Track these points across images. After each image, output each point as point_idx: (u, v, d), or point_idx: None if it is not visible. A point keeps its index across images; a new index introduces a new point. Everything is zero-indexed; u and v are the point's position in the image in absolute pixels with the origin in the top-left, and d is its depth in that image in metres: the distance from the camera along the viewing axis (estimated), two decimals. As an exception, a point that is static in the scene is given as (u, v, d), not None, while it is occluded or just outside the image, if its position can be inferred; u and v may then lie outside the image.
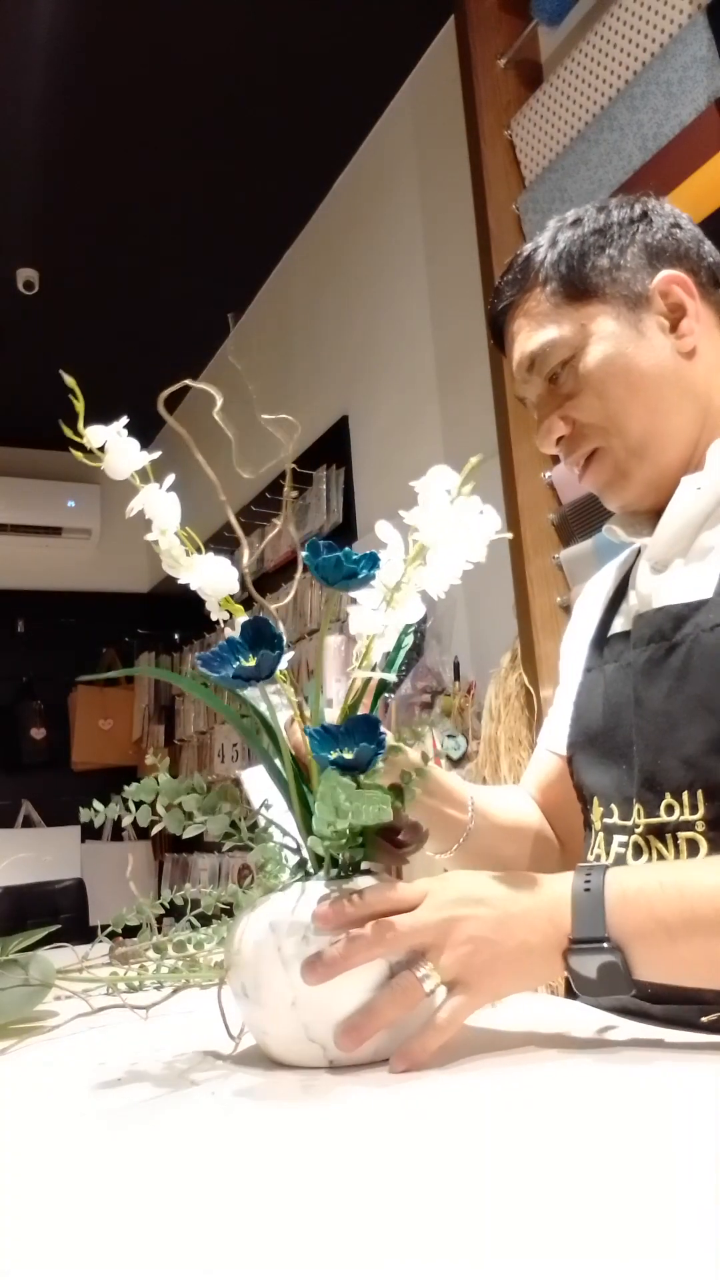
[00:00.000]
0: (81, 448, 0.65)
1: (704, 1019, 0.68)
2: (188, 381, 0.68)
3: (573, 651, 0.99)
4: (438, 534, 0.65)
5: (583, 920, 0.59)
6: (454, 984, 0.59)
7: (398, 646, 0.72)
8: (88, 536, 4.68)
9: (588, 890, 0.60)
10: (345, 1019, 0.58)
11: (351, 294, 3.02)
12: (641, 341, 0.83)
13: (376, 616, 0.64)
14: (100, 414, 0.68)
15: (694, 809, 0.73)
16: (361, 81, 2.65)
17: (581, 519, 1.79)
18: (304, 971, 0.58)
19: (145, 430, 0.64)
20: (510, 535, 0.73)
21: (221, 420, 0.66)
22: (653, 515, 0.86)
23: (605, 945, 0.59)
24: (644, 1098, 0.51)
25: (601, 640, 0.90)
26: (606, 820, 0.82)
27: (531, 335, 0.86)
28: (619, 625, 0.89)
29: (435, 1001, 0.59)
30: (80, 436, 0.64)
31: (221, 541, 3.79)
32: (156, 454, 0.66)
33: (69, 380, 0.65)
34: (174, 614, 4.53)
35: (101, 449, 0.65)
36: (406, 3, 2.40)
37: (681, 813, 0.74)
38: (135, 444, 0.65)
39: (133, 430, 0.65)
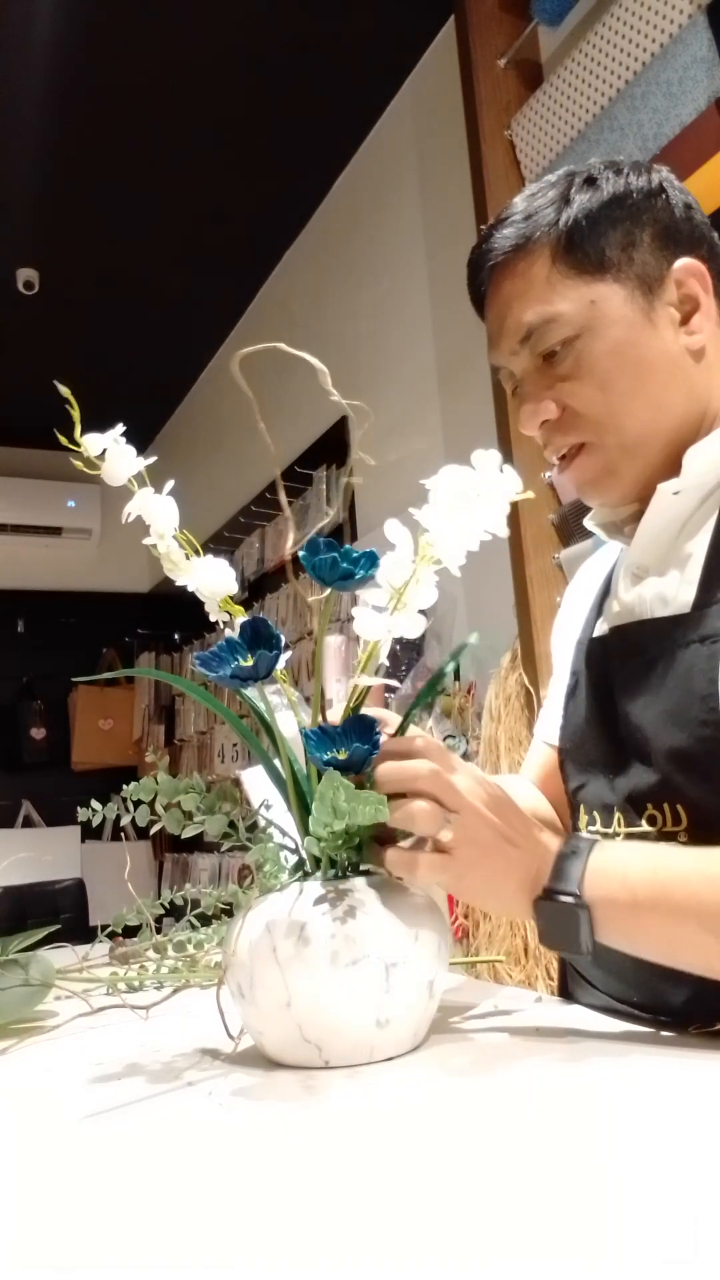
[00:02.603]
0: (80, 455, 0.64)
1: (691, 1029, 0.68)
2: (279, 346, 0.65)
3: (561, 643, 0.98)
4: (454, 509, 0.64)
5: (560, 874, 0.64)
6: (446, 866, 0.63)
7: (425, 692, 0.72)
8: (88, 536, 4.68)
9: (574, 852, 0.65)
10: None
11: (352, 294, 3.02)
12: (652, 332, 0.76)
13: (379, 621, 0.64)
14: (100, 414, 0.68)
15: (676, 820, 0.73)
16: (361, 81, 2.65)
17: (581, 519, 1.78)
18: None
19: (145, 430, 0.63)
20: (532, 494, 0.71)
21: (284, 350, 0.64)
22: (631, 519, 0.84)
23: (574, 899, 0.63)
24: (643, 1101, 0.51)
25: (583, 643, 0.89)
26: (590, 829, 0.82)
27: (530, 305, 0.78)
28: (600, 628, 0.87)
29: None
30: (77, 445, 0.64)
31: (221, 542, 3.80)
32: (153, 459, 0.66)
33: (64, 391, 0.65)
34: (174, 614, 4.53)
35: (100, 456, 0.64)
36: (406, 3, 2.40)
37: (665, 824, 0.73)
38: (132, 450, 0.65)
39: (133, 429, 0.65)
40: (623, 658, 0.80)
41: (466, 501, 0.64)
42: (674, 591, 0.77)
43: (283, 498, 0.73)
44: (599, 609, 0.90)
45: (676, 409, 0.77)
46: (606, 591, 0.91)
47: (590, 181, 0.78)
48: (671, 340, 0.77)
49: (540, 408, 0.79)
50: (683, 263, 0.77)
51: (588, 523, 0.90)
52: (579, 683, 0.87)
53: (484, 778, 0.68)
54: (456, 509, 0.64)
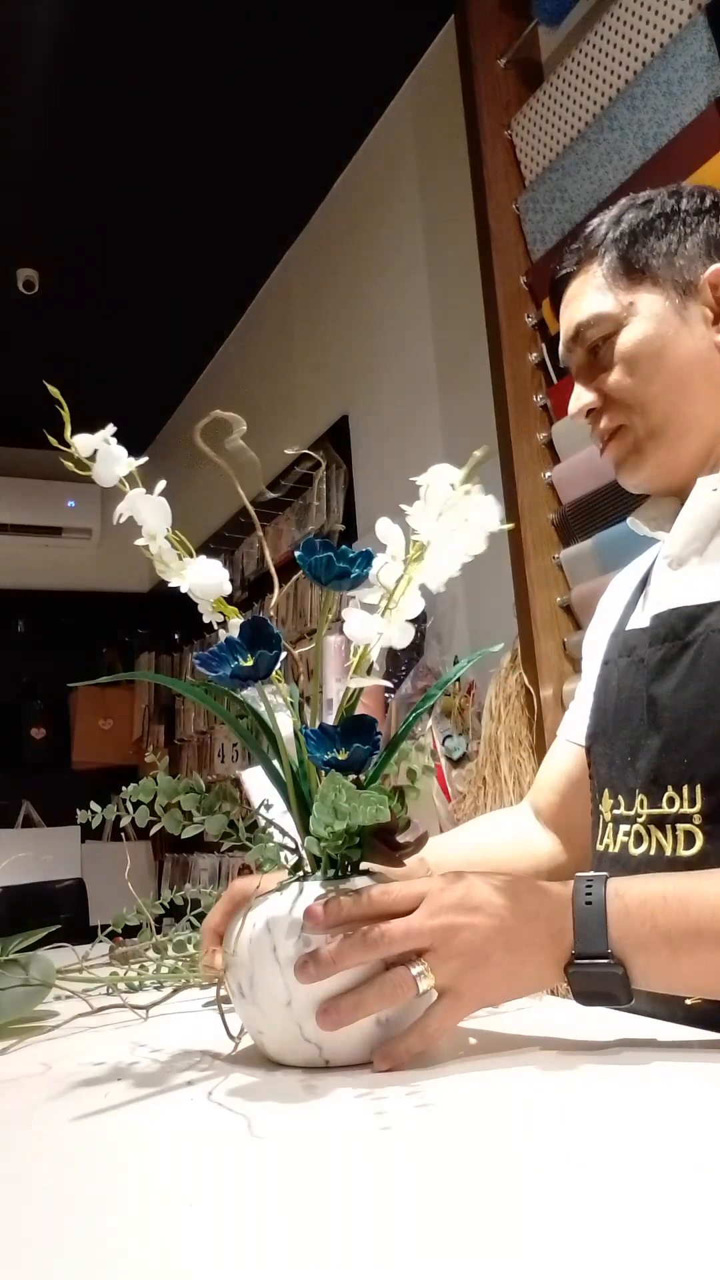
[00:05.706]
0: (70, 456, 0.64)
1: (688, 1001, 0.69)
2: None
3: (594, 644, 1.01)
4: (438, 533, 0.65)
5: (585, 935, 0.59)
6: (444, 991, 0.59)
7: (424, 700, 0.72)
8: (88, 536, 4.68)
9: (589, 903, 0.60)
10: (331, 998, 0.58)
11: (352, 294, 3.02)
12: (681, 327, 0.85)
13: (371, 624, 0.64)
14: (99, 415, 0.68)
15: (692, 802, 0.75)
16: (361, 81, 2.65)
17: (581, 519, 1.79)
18: (296, 970, 0.58)
19: (146, 429, 0.63)
20: (510, 526, 0.73)
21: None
22: (673, 512, 0.88)
23: (608, 961, 0.58)
24: (644, 1102, 0.51)
25: (619, 634, 0.92)
26: (615, 811, 0.84)
27: (580, 306, 0.89)
28: (636, 621, 0.91)
29: (425, 1001, 0.59)
30: (68, 445, 0.64)
31: (222, 542, 3.80)
32: (144, 459, 0.65)
33: (54, 391, 0.65)
34: (174, 614, 4.52)
35: (90, 457, 0.64)
36: (406, 3, 2.40)
37: (681, 805, 0.76)
38: (123, 451, 0.65)
39: (134, 429, 0.64)
40: (658, 642, 0.83)
41: (450, 534, 0.63)
42: (709, 582, 0.81)
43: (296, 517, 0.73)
44: (634, 604, 0.94)
45: (700, 397, 0.85)
46: (641, 590, 0.95)
47: (646, 203, 0.90)
48: (701, 336, 0.85)
49: (582, 395, 0.90)
50: (715, 268, 0.85)
51: (631, 522, 0.94)
52: (610, 670, 0.90)
53: (430, 880, 0.62)
54: (444, 531, 0.64)
